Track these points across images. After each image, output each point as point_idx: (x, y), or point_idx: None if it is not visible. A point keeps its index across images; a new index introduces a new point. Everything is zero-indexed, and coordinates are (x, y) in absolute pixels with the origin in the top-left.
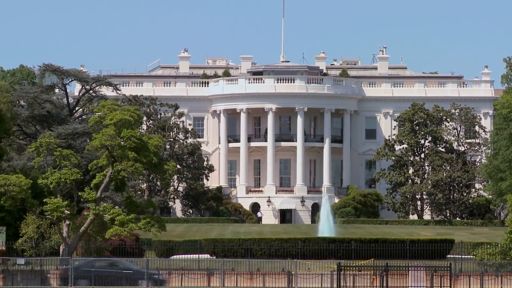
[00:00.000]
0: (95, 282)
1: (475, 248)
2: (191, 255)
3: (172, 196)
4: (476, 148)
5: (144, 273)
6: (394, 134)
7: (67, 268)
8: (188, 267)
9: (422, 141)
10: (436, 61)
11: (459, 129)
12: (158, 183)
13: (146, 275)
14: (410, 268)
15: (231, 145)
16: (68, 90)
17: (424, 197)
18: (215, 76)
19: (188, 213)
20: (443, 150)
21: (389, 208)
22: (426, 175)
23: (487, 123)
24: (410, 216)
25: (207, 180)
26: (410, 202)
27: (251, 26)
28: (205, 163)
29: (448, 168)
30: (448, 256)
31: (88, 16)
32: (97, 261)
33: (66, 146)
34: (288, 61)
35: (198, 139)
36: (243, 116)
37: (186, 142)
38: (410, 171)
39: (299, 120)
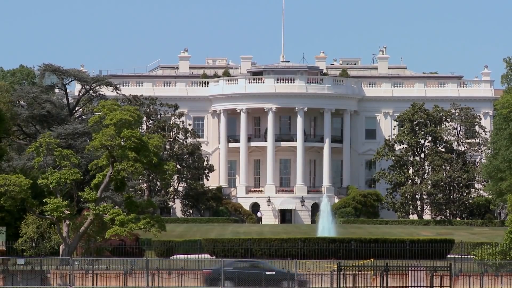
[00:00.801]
0: (238, 283)
1: (475, 248)
2: (191, 255)
3: (172, 196)
4: (476, 148)
5: (286, 274)
6: (394, 134)
7: (213, 270)
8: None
9: (422, 141)
10: (436, 61)
11: (459, 129)
12: (158, 183)
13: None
14: (410, 268)
15: (231, 145)
16: (68, 90)
17: (424, 197)
18: (215, 76)
19: (188, 213)
20: (443, 150)
21: (389, 208)
22: (426, 175)
23: (487, 123)
24: (410, 216)
25: (207, 180)
26: (410, 202)
27: (251, 26)
28: (205, 163)
29: (448, 168)
30: (448, 256)
31: (88, 16)
32: (239, 262)
33: (66, 146)
34: (288, 61)
35: (198, 139)
36: (243, 116)
37: (186, 142)
38: (410, 171)
39: (299, 120)
